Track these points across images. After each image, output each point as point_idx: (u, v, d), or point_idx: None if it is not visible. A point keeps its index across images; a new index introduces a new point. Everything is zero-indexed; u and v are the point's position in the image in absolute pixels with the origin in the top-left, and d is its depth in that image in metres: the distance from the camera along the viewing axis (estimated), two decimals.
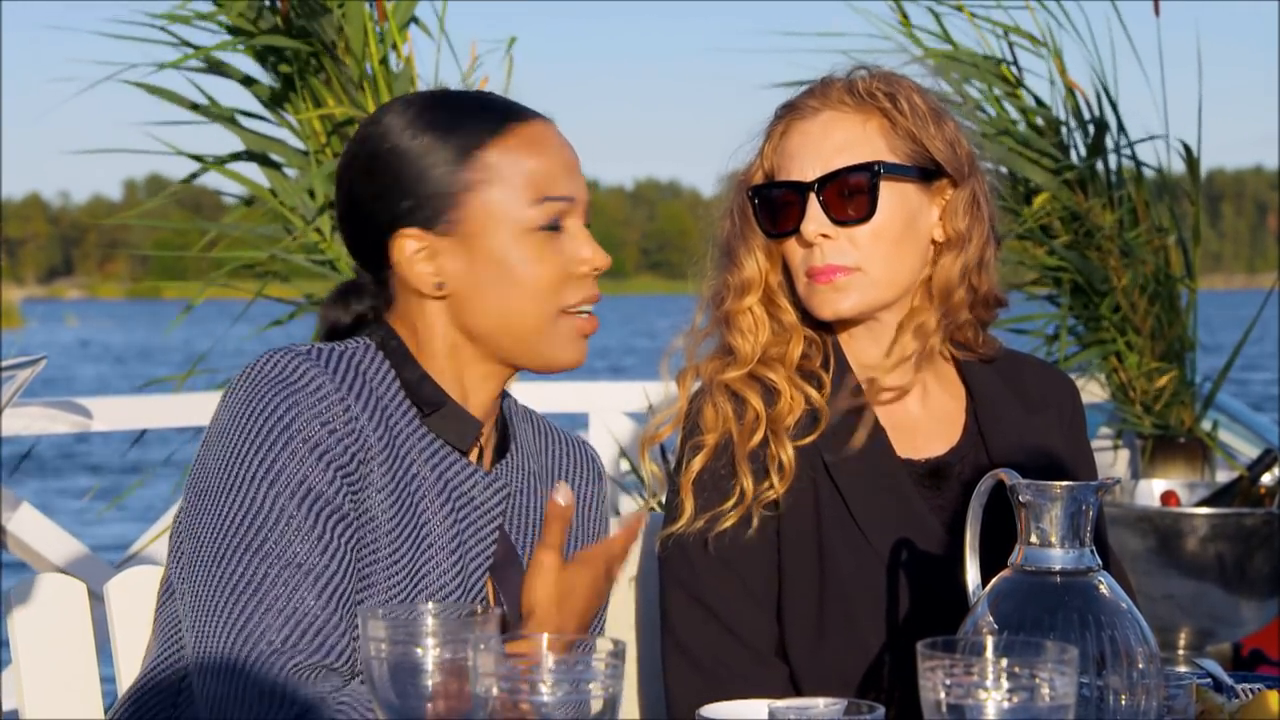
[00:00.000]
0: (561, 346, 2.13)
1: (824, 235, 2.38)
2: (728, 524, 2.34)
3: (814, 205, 2.38)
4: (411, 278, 2.12)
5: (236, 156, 4.34)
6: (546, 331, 2.12)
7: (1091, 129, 4.72)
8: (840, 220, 2.38)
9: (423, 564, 2.09)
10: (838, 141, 2.39)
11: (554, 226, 2.12)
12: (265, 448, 2.02)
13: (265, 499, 2.02)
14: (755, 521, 2.35)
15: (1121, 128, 4.76)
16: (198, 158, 4.33)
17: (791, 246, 2.42)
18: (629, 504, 4.52)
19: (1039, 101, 4.75)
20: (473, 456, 2.17)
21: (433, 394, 2.13)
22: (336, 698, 1.96)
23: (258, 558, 2.00)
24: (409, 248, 2.11)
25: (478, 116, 2.13)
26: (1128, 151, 4.77)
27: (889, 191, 2.39)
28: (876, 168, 2.37)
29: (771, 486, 2.35)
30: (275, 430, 2.03)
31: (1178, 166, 4.92)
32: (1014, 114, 4.75)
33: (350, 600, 2.03)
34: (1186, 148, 4.83)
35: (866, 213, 2.38)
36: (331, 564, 2.02)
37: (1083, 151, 4.74)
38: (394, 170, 2.12)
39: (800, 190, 2.40)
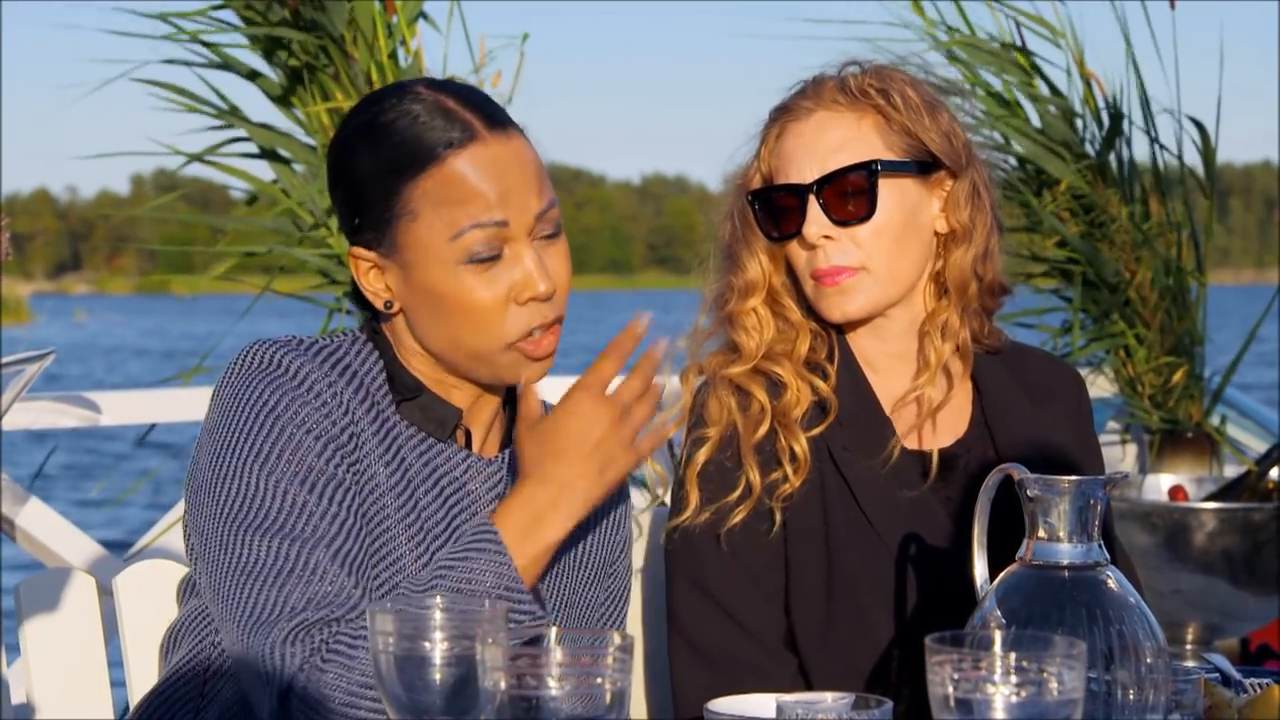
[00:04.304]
0: (513, 372, 2.11)
1: (826, 237, 2.38)
2: (737, 518, 2.34)
3: (814, 207, 2.38)
4: (365, 292, 2.13)
5: (246, 154, 4.33)
6: (494, 361, 2.10)
7: (1106, 118, 4.70)
8: (841, 221, 2.38)
9: (423, 551, 2.09)
10: (833, 142, 2.39)
11: (490, 257, 2.07)
12: (256, 434, 2.03)
13: (261, 482, 2.02)
14: (764, 514, 2.35)
15: (1147, 112, 4.73)
16: (206, 160, 4.32)
17: (794, 249, 2.42)
18: (634, 498, 4.51)
19: (1054, 90, 4.73)
20: (461, 442, 2.16)
21: (411, 383, 2.14)
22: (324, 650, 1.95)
23: (262, 537, 2.00)
24: (360, 265, 2.13)
25: (416, 141, 2.07)
26: (1143, 130, 4.73)
27: (888, 188, 2.38)
28: (874, 166, 2.37)
29: (786, 479, 2.35)
30: (264, 417, 2.04)
31: (1190, 160, 4.89)
32: (1027, 102, 4.73)
33: (362, 563, 2.02)
34: (1202, 131, 4.80)
35: (867, 212, 2.37)
36: (340, 531, 2.02)
37: (1097, 144, 4.72)
38: (344, 188, 2.13)
39: (799, 193, 2.39)
